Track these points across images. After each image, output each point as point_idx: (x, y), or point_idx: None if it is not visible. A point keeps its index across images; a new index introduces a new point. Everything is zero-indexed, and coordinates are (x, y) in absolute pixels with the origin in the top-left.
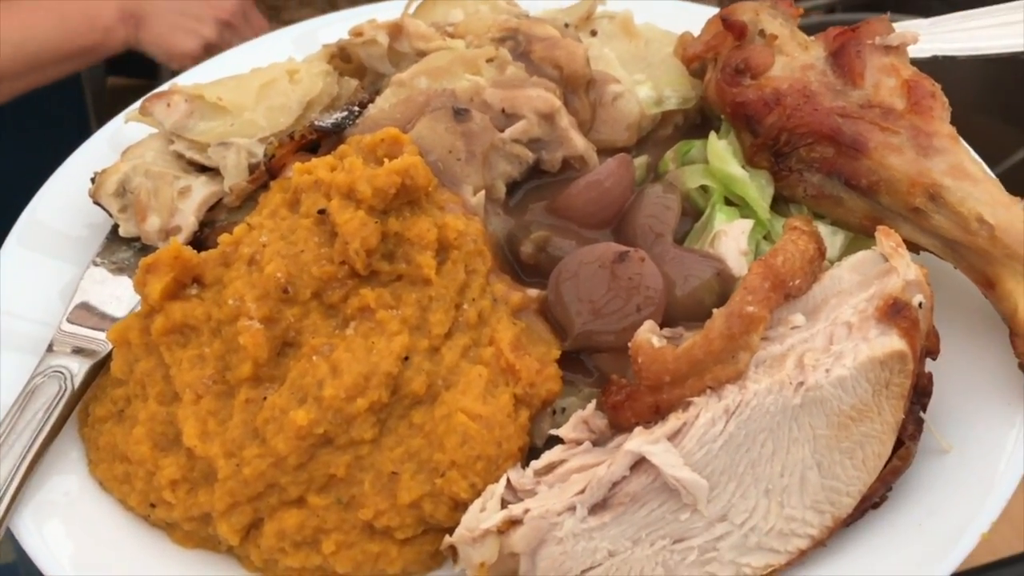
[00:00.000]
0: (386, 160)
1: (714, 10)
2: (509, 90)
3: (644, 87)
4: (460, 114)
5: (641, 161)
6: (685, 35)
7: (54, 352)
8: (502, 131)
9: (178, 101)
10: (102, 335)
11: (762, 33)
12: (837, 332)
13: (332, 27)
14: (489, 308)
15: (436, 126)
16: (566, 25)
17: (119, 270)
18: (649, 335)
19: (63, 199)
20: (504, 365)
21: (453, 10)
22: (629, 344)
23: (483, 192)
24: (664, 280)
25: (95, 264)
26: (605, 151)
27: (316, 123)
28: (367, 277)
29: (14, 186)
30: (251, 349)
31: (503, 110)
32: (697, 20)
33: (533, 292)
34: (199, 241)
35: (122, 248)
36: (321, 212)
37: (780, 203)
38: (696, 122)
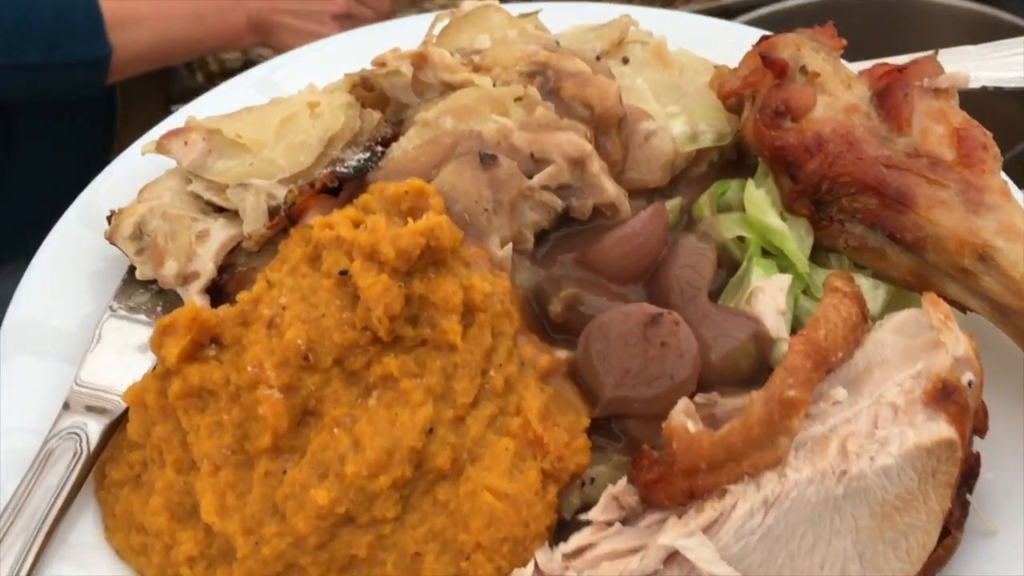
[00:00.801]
0: (410, 219)
1: (747, 30)
2: (538, 133)
3: (678, 121)
4: (487, 160)
5: (674, 204)
6: (722, 68)
7: (69, 410)
8: (530, 177)
9: (196, 139)
10: (119, 391)
11: (803, 70)
12: (882, 414)
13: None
14: (516, 373)
15: (462, 173)
16: (597, 58)
17: (136, 315)
18: (684, 419)
19: (81, 234)
20: (532, 437)
21: (480, 35)
22: (664, 424)
23: (510, 245)
24: (698, 342)
25: (111, 310)
26: (637, 192)
27: (338, 169)
28: (390, 343)
29: None
30: (270, 420)
31: (532, 154)
32: (729, 38)
33: (562, 354)
34: (217, 287)
35: (139, 291)
36: (343, 273)
37: (819, 252)
38: (732, 158)
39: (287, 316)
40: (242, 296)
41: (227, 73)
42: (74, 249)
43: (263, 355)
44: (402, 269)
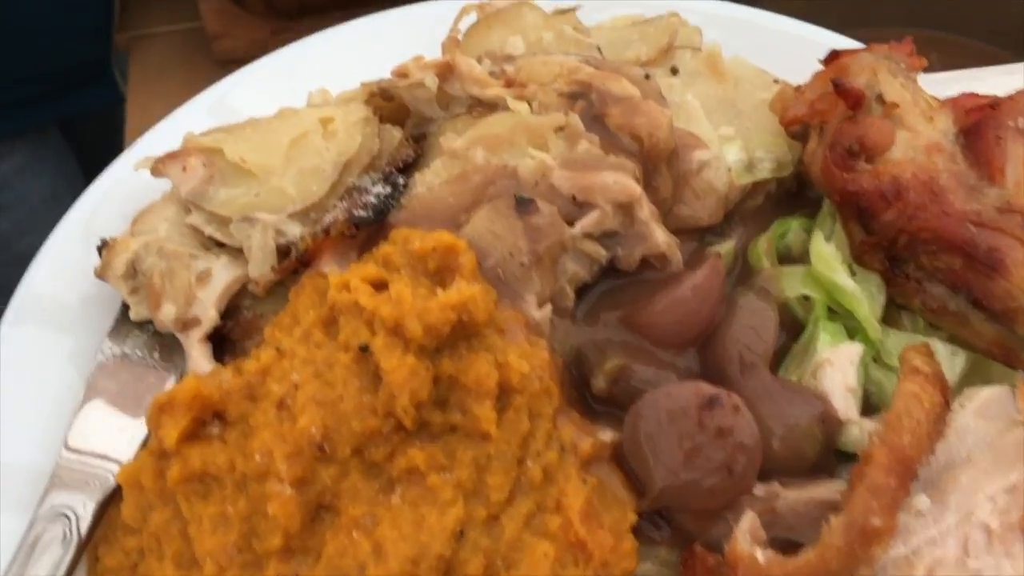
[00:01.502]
0: (438, 281)
1: (813, 31)
2: (581, 173)
3: (733, 147)
4: (524, 205)
5: (728, 248)
6: (785, 89)
7: (56, 486)
8: (571, 223)
9: (195, 165)
10: (113, 459)
11: (880, 99)
12: (973, 537)
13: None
14: (556, 462)
15: (496, 222)
16: (647, 76)
17: (131, 360)
18: (751, 547)
19: (65, 266)
20: (574, 540)
21: (512, 37)
22: (726, 548)
23: (549, 305)
24: (759, 424)
25: (102, 356)
26: (686, 231)
27: (355, 213)
28: (416, 430)
29: None
30: (281, 519)
31: (573, 197)
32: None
33: (606, 435)
34: (219, 334)
35: (134, 331)
36: (363, 349)
37: (891, 308)
38: (792, 190)
39: (300, 397)
40: (248, 366)
41: None
42: (67, 271)
43: (273, 442)
44: (430, 347)
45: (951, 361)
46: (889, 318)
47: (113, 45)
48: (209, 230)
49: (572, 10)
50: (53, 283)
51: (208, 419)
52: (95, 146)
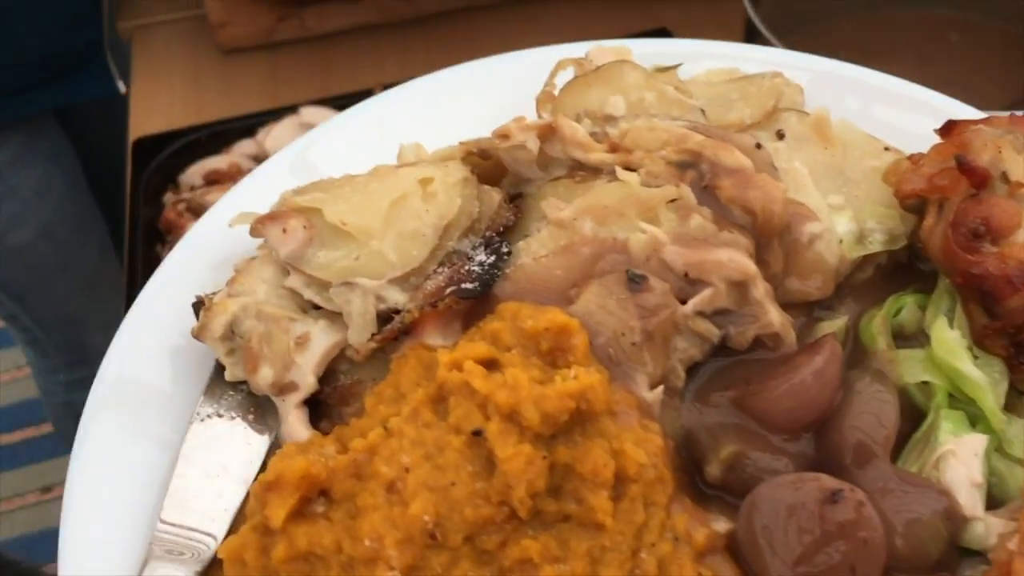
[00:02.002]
0: (550, 361)
1: (914, 88)
2: (694, 250)
3: (843, 217)
4: (636, 282)
5: (839, 326)
6: (900, 161)
7: (154, 558)
8: (683, 301)
9: (295, 227)
10: (211, 533)
11: (1004, 177)
12: None
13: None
14: (670, 553)
15: (607, 299)
16: (758, 146)
17: (226, 422)
18: None
19: (159, 319)
20: None
21: (612, 96)
22: None
23: (661, 388)
24: (880, 519)
25: (199, 419)
26: (795, 305)
27: (463, 287)
28: (529, 519)
29: None
30: None
31: (686, 274)
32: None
33: (720, 525)
34: (316, 400)
35: (228, 392)
36: (477, 434)
37: (1012, 394)
38: (902, 262)
39: (411, 482)
40: (356, 444)
41: None
42: (155, 333)
43: (383, 527)
44: (546, 434)
45: None
46: (1011, 405)
47: (104, 33)
48: (308, 294)
49: (673, 68)
50: (147, 339)
51: (314, 496)
52: (96, 137)
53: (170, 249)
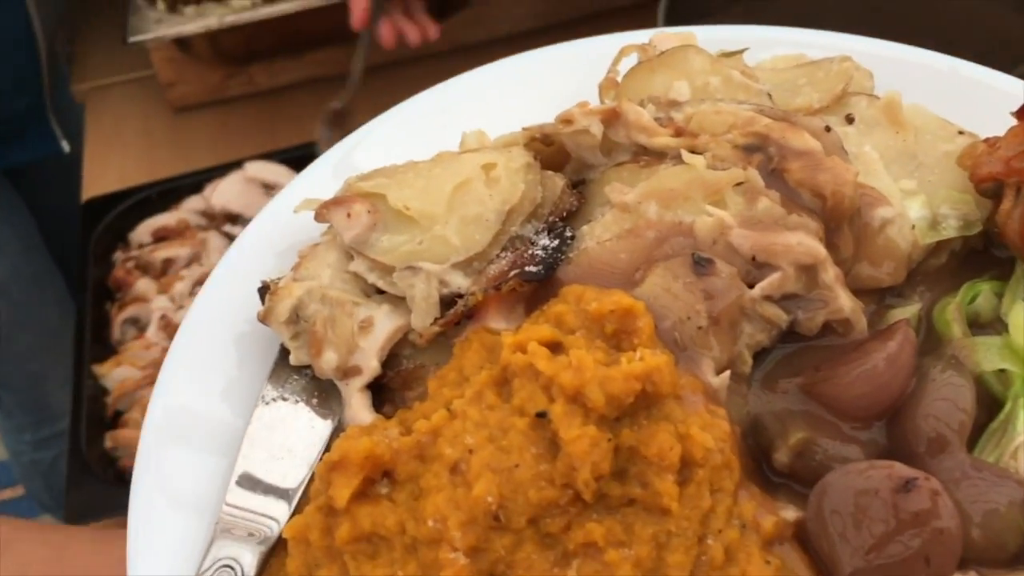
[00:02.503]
0: (616, 345)
1: (987, 73)
2: (762, 233)
3: (915, 203)
4: (702, 265)
5: (913, 312)
6: (975, 144)
7: (220, 537)
8: (751, 285)
9: (359, 212)
10: (276, 508)
11: None
12: None
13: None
14: (738, 540)
15: (672, 283)
16: (827, 128)
17: (290, 405)
18: None
19: (225, 303)
20: None
21: (677, 82)
22: None
23: (727, 372)
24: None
25: (264, 402)
26: (866, 291)
27: (527, 269)
28: (593, 502)
29: None
30: None
31: (753, 257)
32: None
33: (789, 513)
34: (377, 382)
35: (293, 376)
36: (541, 416)
37: None
38: (977, 248)
39: (475, 463)
40: (419, 425)
41: None
42: (220, 318)
43: (447, 508)
44: (610, 417)
45: None
46: None
47: (46, 96)
48: (372, 278)
49: (739, 53)
50: (213, 323)
51: (378, 478)
52: (51, 197)
53: (120, 307)
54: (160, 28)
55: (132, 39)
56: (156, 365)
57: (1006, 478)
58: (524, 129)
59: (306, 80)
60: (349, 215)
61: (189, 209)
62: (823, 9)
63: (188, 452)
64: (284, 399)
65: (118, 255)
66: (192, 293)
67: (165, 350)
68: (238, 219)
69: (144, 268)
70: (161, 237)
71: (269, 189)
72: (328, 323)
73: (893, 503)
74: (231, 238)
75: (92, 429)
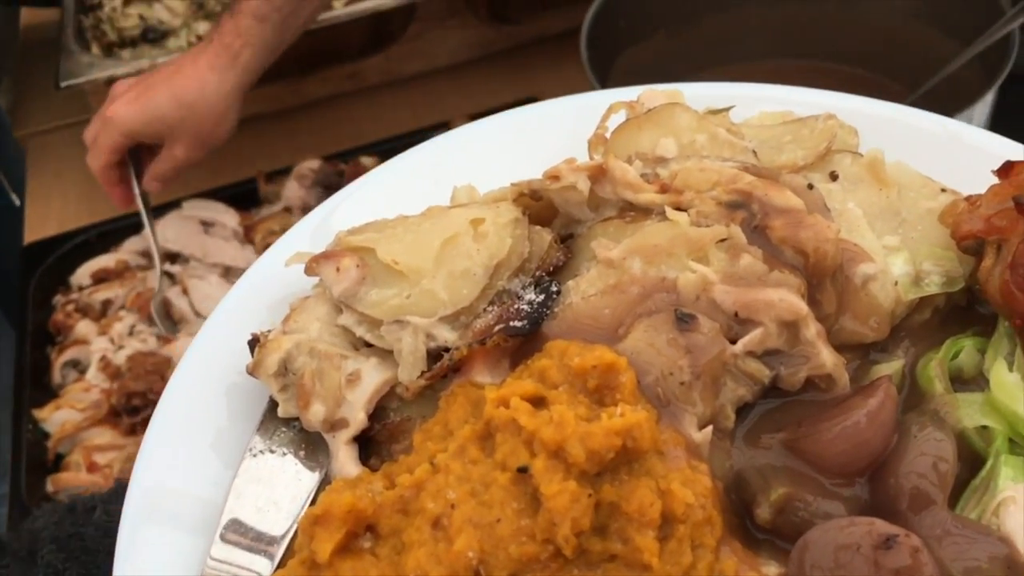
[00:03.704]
0: (597, 399)
1: (967, 129)
2: (745, 290)
3: (899, 259)
4: (685, 321)
5: (896, 368)
6: (956, 202)
7: None
8: (733, 341)
9: (348, 266)
10: (260, 563)
11: None
12: None
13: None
14: None
15: (655, 338)
16: (810, 186)
17: (277, 457)
18: None
19: (216, 356)
20: None
21: (664, 139)
22: None
23: (710, 428)
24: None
25: (251, 454)
26: (850, 347)
27: (511, 324)
28: (574, 557)
29: None
30: None
31: (736, 314)
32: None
33: (771, 570)
34: (364, 435)
35: (281, 428)
36: (522, 471)
37: None
38: (961, 304)
39: (456, 518)
40: (403, 480)
41: (125, 43)
42: (212, 370)
43: (428, 563)
44: (591, 472)
45: None
46: None
47: None
48: (360, 331)
49: (726, 111)
50: (204, 375)
51: (361, 532)
52: None
53: (60, 350)
54: (93, 71)
55: (64, 83)
56: (96, 407)
57: (988, 535)
58: (512, 185)
59: (247, 118)
60: (338, 269)
61: (129, 250)
62: (744, 34)
63: (176, 502)
64: (272, 451)
65: (58, 299)
66: (132, 333)
67: (105, 391)
68: (177, 258)
69: (84, 311)
70: (101, 279)
71: (208, 227)
72: (316, 376)
73: (874, 559)
74: (171, 277)
75: (32, 474)
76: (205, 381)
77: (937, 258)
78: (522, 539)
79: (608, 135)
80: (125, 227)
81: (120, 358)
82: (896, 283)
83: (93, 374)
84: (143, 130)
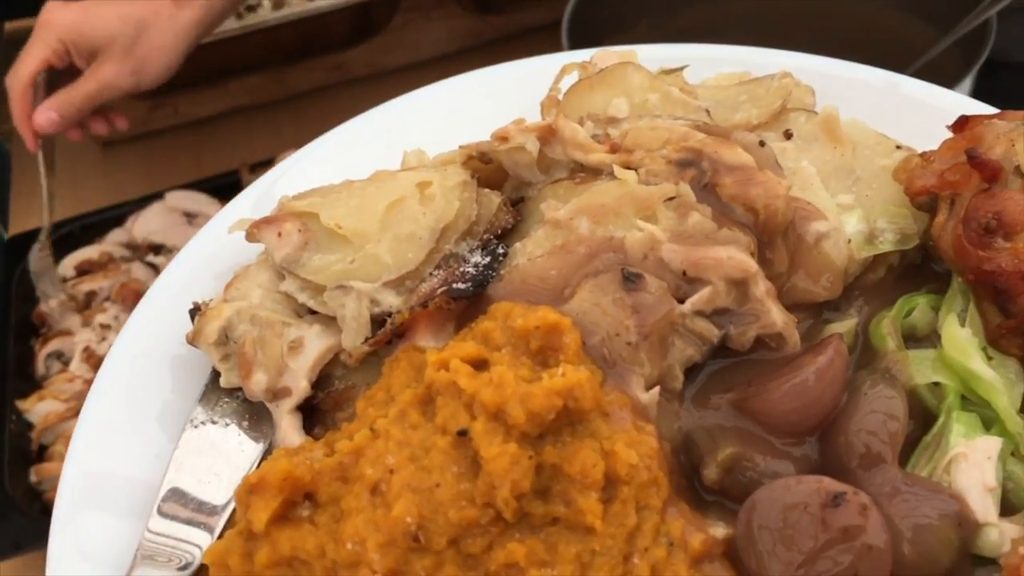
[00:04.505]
0: (541, 362)
1: (926, 88)
2: (693, 248)
3: (852, 217)
4: (632, 280)
5: (849, 327)
6: (910, 157)
7: (142, 564)
8: (681, 300)
9: (290, 231)
10: (199, 535)
11: (1018, 170)
12: None
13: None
14: (664, 559)
15: (601, 298)
16: (761, 143)
17: (220, 428)
18: None
19: (159, 328)
20: None
21: (616, 99)
22: None
23: (657, 388)
24: (887, 524)
25: (192, 426)
26: (802, 305)
27: (454, 287)
28: (516, 521)
29: None
30: None
31: (684, 272)
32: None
33: (718, 531)
34: (309, 404)
35: (224, 399)
36: (462, 434)
37: None
38: (915, 262)
39: (395, 483)
40: (341, 446)
41: None
42: (153, 340)
43: (366, 530)
44: (532, 434)
45: None
46: None
47: None
48: (303, 298)
49: (679, 70)
50: (145, 345)
51: (299, 500)
52: None
53: (44, 342)
54: None
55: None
56: (80, 397)
57: (938, 492)
58: (461, 147)
59: (231, 109)
60: (280, 234)
61: (112, 242)
62: (725, 22)
63: (115, 476)
64: (214, 422)
65: (42, 291)
66: (115, 325)
67: (88, 382)
68: (161, 249)
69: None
70: (85, 271)
71: (191, 218)
72: (258, 344)
73: (822, 518)
74: (155, 268)
75: (16, 464)
76: (146, 353)
77: (891, 215)
78: (462, 503)
79: (561, 96)
80: (109, 219)
81: (103, 349)
82: (849, 241)
83: (76, 365)
84: (82, 36)
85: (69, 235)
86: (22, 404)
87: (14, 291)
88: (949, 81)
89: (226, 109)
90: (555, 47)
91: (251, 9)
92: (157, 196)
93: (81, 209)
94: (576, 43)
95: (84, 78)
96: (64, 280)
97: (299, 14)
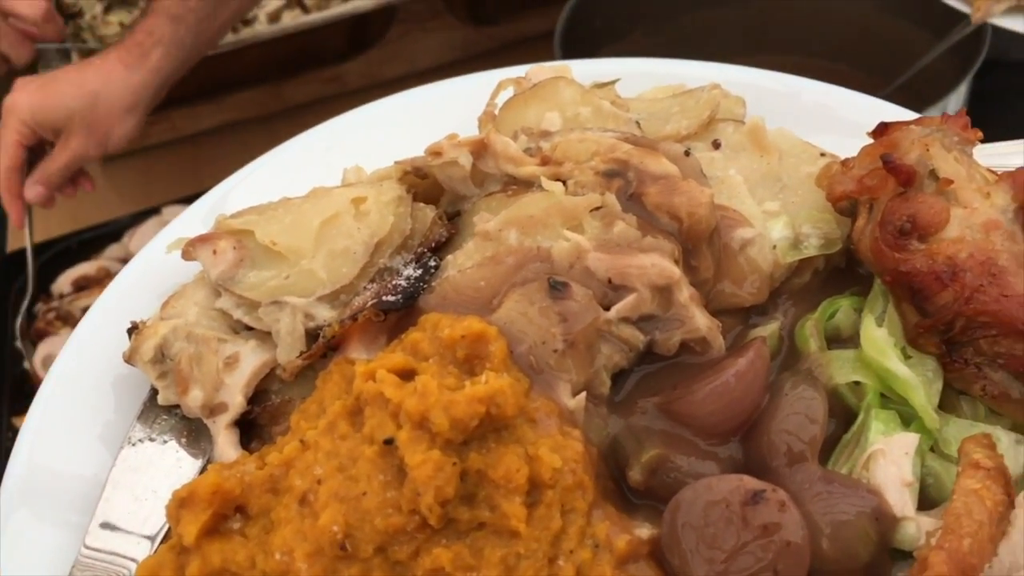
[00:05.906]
0: (468, 370)
1: (854, 96)
2: (618, 256)
3: (778, 223)
4: (558, 289)
5: (773, 330)
6: (831, 164)
7: None
8: (607, 307)
9: (225, 248)
10: (136, 550)
11: (933, 174)
12: None
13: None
14: (590, 560)
15: (528, 307)
16: (687, 152)
17: (157, 445)
18: None
19: (97, 348)
20: None
21: (548, 113)
22: None
23: (583, 394)
24: (807, 521)
25: (129, 444)
26: (729, 310)
27: (384, 299)
28: (442, 527)
29: None
30: None
31: (609, 280)
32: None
33: (643, 531)
34: (246, 420)
35: (162, 416)
36: (388, 443)
37: (949, 393)
38: (840, 267)
39: (322, 493)
40: (272, 459)
41: None
42: (92, 360)
43: (294, 540)
44: (456, 441)
45: (1015, 451)
46: (947, 404)
47: None
48: (238, 314)
49: (611, 84)
50: (85, 365)
51: (230, 513)
52: None
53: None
54: None
55: None
56: None
57: (856, 488)
58: (396, 163)
59: (228, 123)
60: (215, 252)
61: (109, 257)
62: (720, 31)
63: (53, 497)
64: (152, 439)
65: (40, 307)
66: None
67: None
68: None
69: (65, 318)
70: (82, 286)
71: None
72: (194, 360)
73: (742, 515)
74: None
75: None
76: (86, 372)
77: (816, 221)
78: (388, 511)
79: (497, 111)
80: (105, 235)
81: None
82: (775, 247)
83: None
84: (44, 118)
85: (66, 250)
86: (17, 421)
87: (11, 307)
88: (946, 86)
89: (223, 123)
90: (550, 57)
91: (247, 23)
92: (154, 211)
93: (78, 224)
94: (569, 53)
95: (56, 152)
96: (61, 296)
97: (295, 27)
